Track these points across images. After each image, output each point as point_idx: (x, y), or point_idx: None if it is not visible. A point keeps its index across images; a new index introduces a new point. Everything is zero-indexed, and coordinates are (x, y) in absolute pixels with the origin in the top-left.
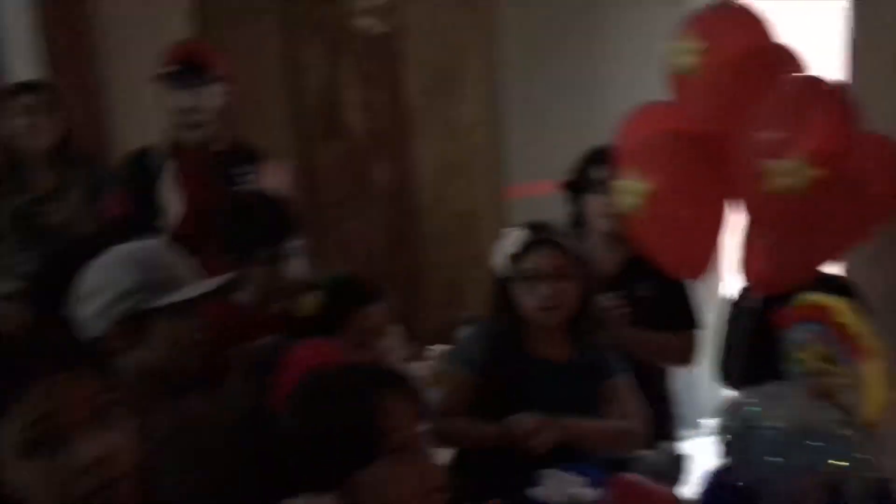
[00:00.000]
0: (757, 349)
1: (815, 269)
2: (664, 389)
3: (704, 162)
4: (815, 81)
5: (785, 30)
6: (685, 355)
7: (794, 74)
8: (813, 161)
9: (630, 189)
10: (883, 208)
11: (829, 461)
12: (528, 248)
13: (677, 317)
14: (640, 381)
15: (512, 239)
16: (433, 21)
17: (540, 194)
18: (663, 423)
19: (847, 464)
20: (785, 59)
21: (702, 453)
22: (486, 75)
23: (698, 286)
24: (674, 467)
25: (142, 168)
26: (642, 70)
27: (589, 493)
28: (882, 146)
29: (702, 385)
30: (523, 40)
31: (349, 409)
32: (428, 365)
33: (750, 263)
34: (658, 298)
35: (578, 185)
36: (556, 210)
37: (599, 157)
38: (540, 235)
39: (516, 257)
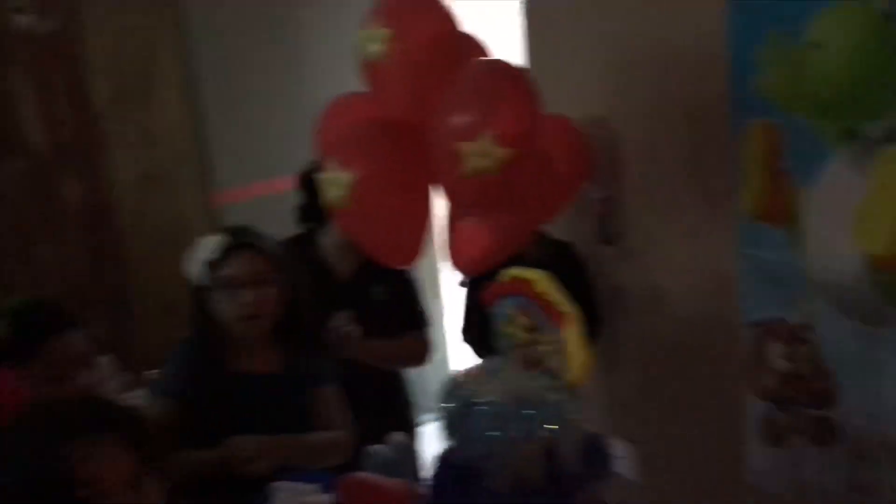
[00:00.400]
0: (479, 327)
1: (515, 247)
2: (398, 380)
3: (404, 149)
4: (501, 66)
5: (467, 19)
6: (418, 357)
7: (480, 59)
8: (502, 141)
9: (334, 181)
10: (569, 184)
11: (543, 426)
12: (225, 253)
13: (408, 318)
14: (373, 374)
15: (208, 245)
16: (115, 21)
17: (255, 197)
18: (399, 413)
19: (558, 427)
20: (470, 45)
21: (435, 438)
22: (181, 77)
23: (427, 277)
24: (408, 458)
25: None
26: (346, 60)
27: (322, 499)
28: (564, 127)
29: (435, 370)
30: (217, 36)
31: (37, 461)
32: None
33: (455, 245)
34: (390, 301)
35: (313, 182)
36: (274, 212)
37: None
38: (238, 240)
39: (213, 265)
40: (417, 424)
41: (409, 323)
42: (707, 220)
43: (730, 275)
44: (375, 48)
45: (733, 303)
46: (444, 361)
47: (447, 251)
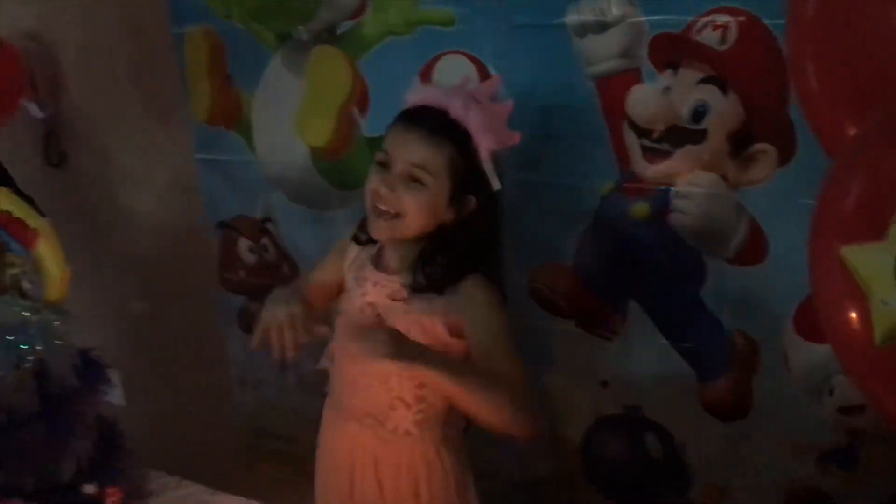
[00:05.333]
0: None
1: None
2: None
3: None
4: None
5: None
6: None
7: None
8: None
9: None
10: (5, 104)
11: (30, 349)
12: None
13: None
14: None
15: None
16: None
17: None
18: None
19: (46, 347)
20: None
21: None
22: None
23: None
24: None
25: None
26: None
27: None
28: None
29: None
30: None
31: None
32: None
33: None
34: None
35: None
36: None
37: None
38: None
39: None
40: None
41: None
42: (159, 129)
43: (190, 181)
44: None
45: (198, 207)
46: None
47: None
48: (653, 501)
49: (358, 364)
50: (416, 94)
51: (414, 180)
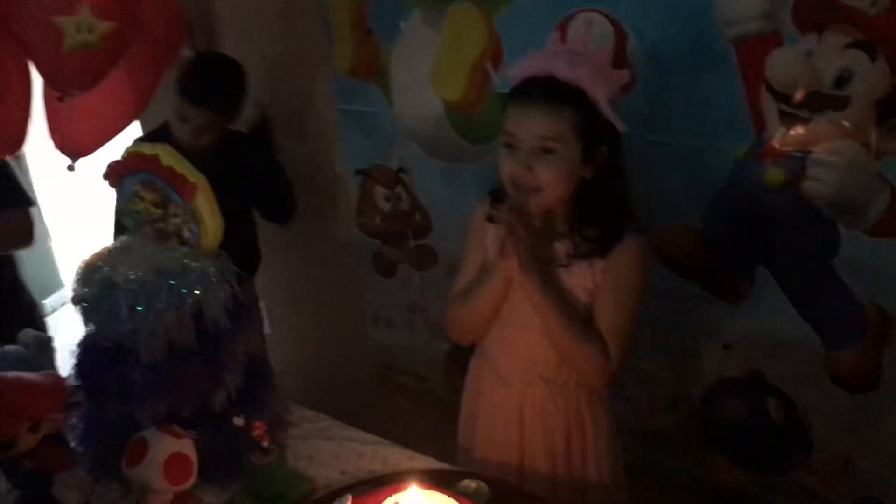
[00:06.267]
0: None
1: (125, 122)
2: (14, 280)
3: None
4: None
5: None
6: (21, 236)
7: None
8: (103, 14)
9: None
10: (167, 51)
11: (189, 292)
12: None
13: (5, 195)
14: None
15: None
16: None
17: None
18: (21, 312)
19: (202, 291)
20: None
21: (70, 326)
22: None
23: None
24: (44, 351)
25: None
26: None
27: None
28: None
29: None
30: None
31: None
32: None
33: (61, 127)
34: None
35: None
36: None
37: None
38: None
39: None
40: (42, 320)
41: (3, 201)
42: (306, 80)
43: (332, 130)
44: None
45: (338, 156)
46: (49, 249)
47: (51, 133)
48: (771, 465)
49: (517, 328)
50: (520, 69)
51: (545, 151)
